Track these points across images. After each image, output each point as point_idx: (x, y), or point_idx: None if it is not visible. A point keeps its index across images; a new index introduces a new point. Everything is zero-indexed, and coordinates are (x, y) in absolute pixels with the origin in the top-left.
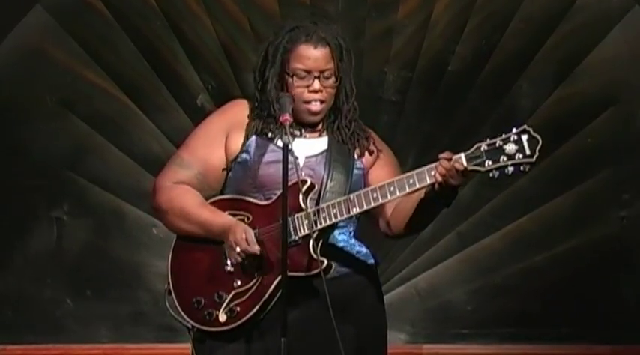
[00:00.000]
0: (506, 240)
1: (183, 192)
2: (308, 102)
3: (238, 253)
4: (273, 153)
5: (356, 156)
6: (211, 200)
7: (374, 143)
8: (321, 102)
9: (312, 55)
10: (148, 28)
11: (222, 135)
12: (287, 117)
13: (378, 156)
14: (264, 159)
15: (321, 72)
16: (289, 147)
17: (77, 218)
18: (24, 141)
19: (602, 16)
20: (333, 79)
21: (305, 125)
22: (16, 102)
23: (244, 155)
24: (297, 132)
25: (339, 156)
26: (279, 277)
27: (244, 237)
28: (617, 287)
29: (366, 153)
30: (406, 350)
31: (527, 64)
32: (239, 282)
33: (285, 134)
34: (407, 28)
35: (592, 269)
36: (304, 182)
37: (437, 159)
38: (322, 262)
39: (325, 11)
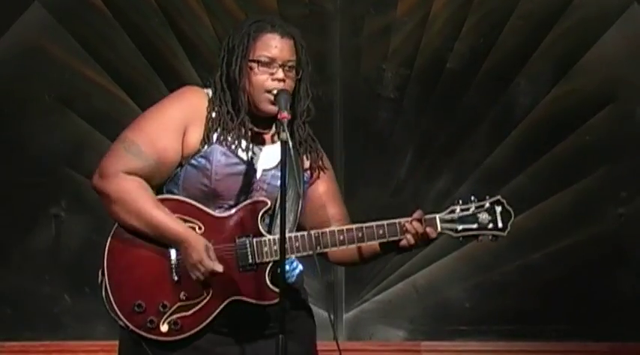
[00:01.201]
0: (504, 237)
1: (137, 187)
2: (270, 90)
3: (203, 273)
4: (236, 167)
5: (305, 169)
6: (160, 197)
7: (321, 158)
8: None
9: (279, 43)
10: (147, 25)
11: (181, 127)
12: (285, 115)
13: (322, 170)
14: (226, 171)
15: (285, 62)
16: (252, 156)
17: (75, 215)
18: (22, 138)
19: (601, 14)
20: (294, 72)
21: (258, 121)
22: (15, 98)
23: (202, 160)
24: (250, 135)
25: (291, 169)
26: (225, 303)
27: (209, 256)
28: (615, 284)
29: (312, 165)
30: (404, 347)
31: (525, 62)
32: (185, 295)
33: (284, 131)
34: (405, 25)
35: (590, 266)
36: (264, 203)
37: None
38: (277, 294)
39: (323, 8)
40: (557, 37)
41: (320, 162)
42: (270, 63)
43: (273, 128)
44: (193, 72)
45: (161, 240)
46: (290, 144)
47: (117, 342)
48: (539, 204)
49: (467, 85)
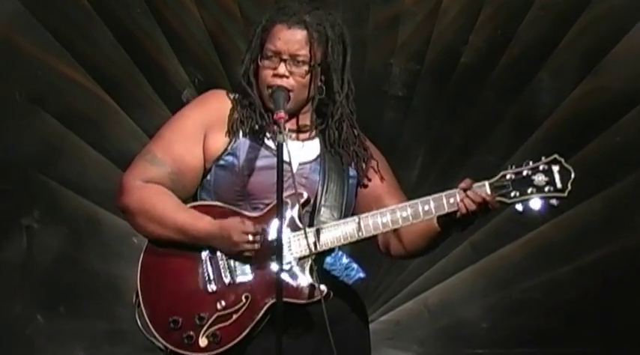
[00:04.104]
0: (526, 249)
1: (156, 192)
2: (271, 86)
3: (253, 241)
4: (265, 159)
5: (349, 164)
6: (190, 205)
7: (367, 149)
8: (287, 90)
9: (285, 35)
10: (128, 15)
11: (201, 131)
12: (282, 115)
13: (370, 162)
14: (255, 165)
15: (292, 56)
16: (285, 148)
17: (49, 226)
18: None
19: (630, 2)
20: (305, 67)
21: (293, 114)
22: None
23: (230, 158)
24: (289, 133)
25: (332, 163)
26: (266, 307)
27: (249, 226)
28: None
29: (359, 160)
30: None
31: (547, 56)
32: (223, 303)
33: (280, 132)
34: (415, 15)
35: (622, 281)
36: (300, 195)
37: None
38: (322, 291)
39: None
40: (583, 28)
41: (366, 156)
42: (273, 56)
43: (308, 124)
44: (180, 67)
45: (192, 243)
46: (287, 147)
47: None
48: (565, 213)
49: (483, 81)
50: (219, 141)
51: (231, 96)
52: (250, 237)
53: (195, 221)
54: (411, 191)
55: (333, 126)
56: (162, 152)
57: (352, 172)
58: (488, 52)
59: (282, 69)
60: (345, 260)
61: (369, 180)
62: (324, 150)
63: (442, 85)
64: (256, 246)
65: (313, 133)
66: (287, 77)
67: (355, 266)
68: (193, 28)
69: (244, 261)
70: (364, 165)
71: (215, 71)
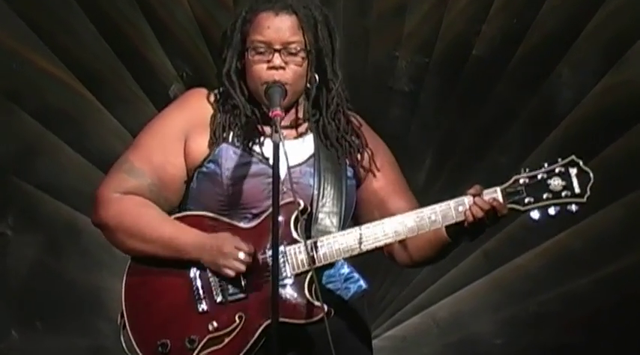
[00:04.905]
0: (542, 259)
1: (136, 204)
2: (266, 82)
3: (243, 259)
4: (250, 166)
5: (347, 162)
6: (178, 215)
7: (365, 142)
8: (283, 84)
9: (273, 23)
10: (111, 4)
11: (181, 137)
12: (278, 112)
13: (371, 160)
14: (239, 173)
15: (284, 45)
16: (281, 148)
17: (24, 233)
18: None
19: None
20: (301, 55)
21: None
22: None
23: (211, 165)
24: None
25: (328, 163)
26: (261, 328)
27: (237, 245)
28: None
29: (358, 158)
30: None
31: (567, 47)
32: (215, 324)
33: (276, 131)
34: (422, 3)
35: None
36: (296, 205)
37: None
38: (322, 308)
39: None
40: (606, 17)
41: (367, 154)
42: (263, 49)
43: (300, 119)
44: (167, 60)
45: (179, 258)
46: (283, 147)
47: None
48: (585, 219)
49: (497, 75)
50: (201, 145)
51: (213, 97)
52: (241, 255)
53: (182, 233)
54: (418, 195)
55: (328, 117)
56: (141, 161)
57: (351, 172)
58: (502, 43)
59: (277, 60)
60: (345, 269)
61: (369, 176)
62: (319, 147)
63: (452, 80)
64: (242, 267)
65: (306, 127)
66: (283, 69)
67: (357, 276)
68: (181, 18)
69: (237, 277)
70: (359, 157)
71: (205, 64)
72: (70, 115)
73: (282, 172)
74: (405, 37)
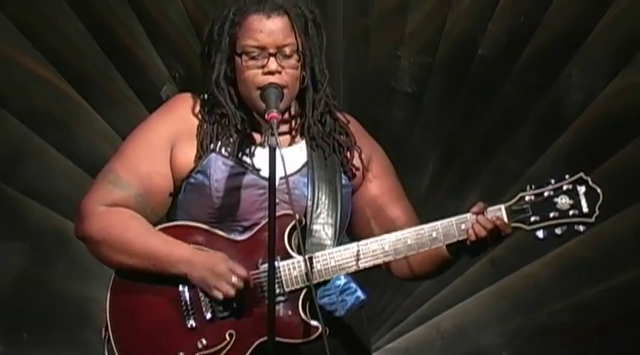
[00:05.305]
0: (552, 268)
1: (122, 217)
2: (261, 87)
3: (235, 283)
4: (240, 177)
5: (341, 169)
6: (164, 226)
7: (354, 139)
8: (281, 87)
9: (266, 26)
10: (100, 1)
11: (167, 146)
12: (275, 114)
13: (366, 166)
14: (229, 185)
15: (279, 48)
16: (277, 153)
17: (10, 241)
18: None
19: None
20: (295, 57)
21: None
22: None
23: (199, 176)
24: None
25: (322, 171)
26: (253, 346)
27: (232, 267)
28: None
29: (348, 157)
30: None
31: (577, 47)
32: (204, 342)
33: (273, 134)
34: (425, 1)
35: None
36: (290, 217)
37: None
38: (317, 328)
39: None
40: (617, 16)
41: (361, 159)
42: (257, 53)
43: (292, 124)
44: (158, 60)
45: (167, 273)
46: (280, 152)
47: None
48: (596, 226)
49: (503, 76)
50: (187, 155)
51: (200, 103)
52: (234, 279)
53: (170, 247)
54: (420, 202)
55: (314, 118)
56: (127, 171)
57: (345, 180)
58: (508, 43)
59: (273, 65)
60: (342, 281)
61: (365, 184)
62: (312, 154)
63: (456, 81)
64: (232, 291)
65: (298, 132)
66: (279, 73)
67: (354, 286)
68: (174, 16)
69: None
70: (349, 155)
71: (198, 64)
72: (58, 117)
73: (276, 181)
74: (407, 36)
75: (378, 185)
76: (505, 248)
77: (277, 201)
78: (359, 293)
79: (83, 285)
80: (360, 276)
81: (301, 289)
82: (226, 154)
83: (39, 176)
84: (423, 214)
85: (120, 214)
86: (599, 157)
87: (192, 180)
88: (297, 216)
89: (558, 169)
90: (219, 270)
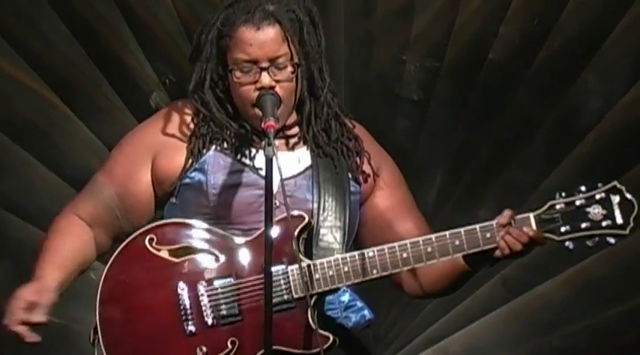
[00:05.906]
0: (567, 287)
1: (62, 226)
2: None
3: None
4: (239, 175)
5: (349, 176)
6: (163, 222)
7: (362, 145)
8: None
9: (256, 38)
10: (85, 3)
11: (149, 152)
12: (272, 123)
13: (376, 172)
14: (227, 182)
15: (271, 60)
16: (275, 162)
17: None
18: None
19: None
20: (290, 68)
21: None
22: None
23: (196, 174)
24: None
25: (327, 173)
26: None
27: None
28: None
29: (357, 162)
30: None
31: (593, 52)
32: (204, 349)
33: (270, 144)
34: (432, 1)
35: None
36: (300, 219)
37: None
38: (327, 338)
39: None
40: (637, 19)
41: (370, 165)
42: (249, 67)
43: (294, 129)
44: (147, 65)
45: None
46: (277, 162)
47: None
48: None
49: (516, 82)
50: (174, 161)
51: (193, 110)
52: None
53: (40, 271)
54: (428, 216)
55: (318, 127)
56: (103, 175)
57: (354, 187)
58: (521, 46)
59: (266, 80)
60: (346, 297)
61: (378, 199)
62: (315, 158)
63: (466, 87)
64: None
65: (299, 136)
66: (273, 88)
67: (359, 304)
68: (164, 18)
69: (231, 297)
70: (358, 161)
71: (189, 69)
72: (40, 127)
73: (276, 185)
74: (413, 39)
75: (389, 195)
76: (517, 266)
77: (277, 204)
78: (365, 312)
79: (66, 306)
80: (364, 295)
81: (308, 296)
82: (226, 151)
83: (20, 189)
84: (431, 228)
85: (67, 224)
86: (618, 169)
87: (186, 180)
88: (307, 217)
89: (574, 182)
90: (10, 306)
